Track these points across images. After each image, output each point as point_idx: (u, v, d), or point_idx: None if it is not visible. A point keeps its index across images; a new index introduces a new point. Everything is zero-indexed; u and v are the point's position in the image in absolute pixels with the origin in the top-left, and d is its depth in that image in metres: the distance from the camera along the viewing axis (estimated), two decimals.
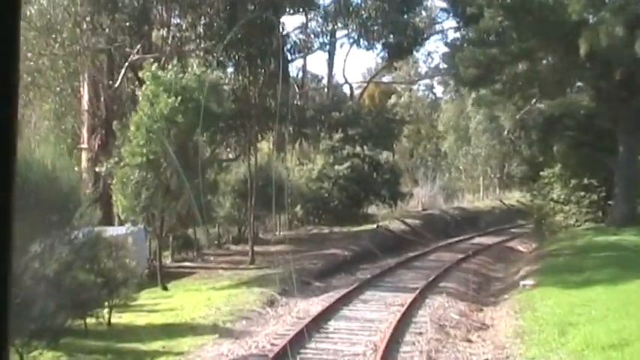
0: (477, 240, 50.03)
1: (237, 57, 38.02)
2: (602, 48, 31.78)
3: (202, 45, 38.73)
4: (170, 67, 31.15)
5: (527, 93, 41.35)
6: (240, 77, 39.11)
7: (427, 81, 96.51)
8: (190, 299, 27.78)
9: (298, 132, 52.27)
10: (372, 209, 57.33)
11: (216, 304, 26.21)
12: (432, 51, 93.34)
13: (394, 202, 56.78)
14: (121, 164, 31.14)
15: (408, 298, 25.89)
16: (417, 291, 27.06)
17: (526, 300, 25.31)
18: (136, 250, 29.83)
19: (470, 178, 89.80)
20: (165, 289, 31.09)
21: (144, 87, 30.81)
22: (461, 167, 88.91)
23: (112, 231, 29.91)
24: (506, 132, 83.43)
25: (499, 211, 66.50)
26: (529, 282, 28.46)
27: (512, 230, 57.45)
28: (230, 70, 41.24)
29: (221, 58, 37.99)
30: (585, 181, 40.71)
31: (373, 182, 54.38)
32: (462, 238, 50.56)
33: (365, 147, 54.71)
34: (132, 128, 30.58)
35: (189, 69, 31.78)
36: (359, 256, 39.28)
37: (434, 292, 28.13)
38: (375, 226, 48.49)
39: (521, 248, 46.95)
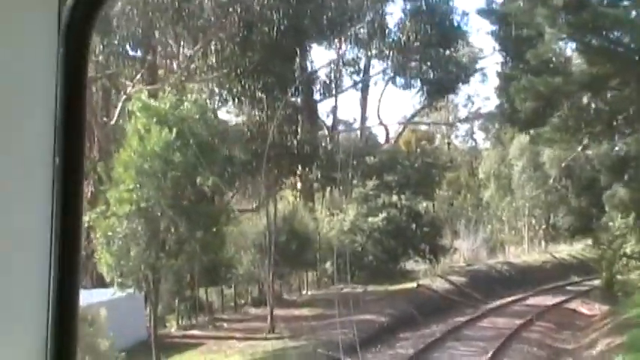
0: (531, 300, 43.72)
1: (252, 88, 32.24)
2: None
3: (213, 74, 33.05)
4: (165, 94, 25.32)
5: (595, 129, 34.99)
6: (256, 112, 33.37)
7: (467, 126, 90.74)
8: None
9: (327, 178, 46.58)
10: (410, 265, 51.13)
11: None
12: (473, 94, 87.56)
13: (435, 256, 50.61)
14: (107, 214, 25.32)
15: None
16: None
17: None
18: (121, 320, 24.13)
19: (513, 229, 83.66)
20: None
21: (133, 119, 25.06)
22: (504, 218, 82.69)
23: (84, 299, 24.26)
24: (551, 180, 77.75)
25: (550, 265, 60.15)
26: None
27: (569, 288, 51.06)
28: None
29: (234, 90, 32.42)
30: None
31: (412, 235, 48.35)
32: (513, 298, 44.28)
33: (402, 196, 48.72)
34: (119, 169, 24.87)
35: (190, 96, 25.88)
36: (398, 323, 33.30)
37: None
38: (414, 284, 42.37)
39: (584, 311, 40.65)
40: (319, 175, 48.46)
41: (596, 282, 52.21)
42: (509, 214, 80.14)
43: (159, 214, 24.88)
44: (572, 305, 42.01)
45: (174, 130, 24.21)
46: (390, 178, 49.60)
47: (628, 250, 35.64)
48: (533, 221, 79.16)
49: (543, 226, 79.00)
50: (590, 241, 73.22)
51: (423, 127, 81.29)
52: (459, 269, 50.99)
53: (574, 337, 31.31)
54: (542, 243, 76.54)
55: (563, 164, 77.21)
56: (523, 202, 76.97)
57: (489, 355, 24.43)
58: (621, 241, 36.39)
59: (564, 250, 67.92)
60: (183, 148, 24.47)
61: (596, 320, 34.83)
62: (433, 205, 57.37)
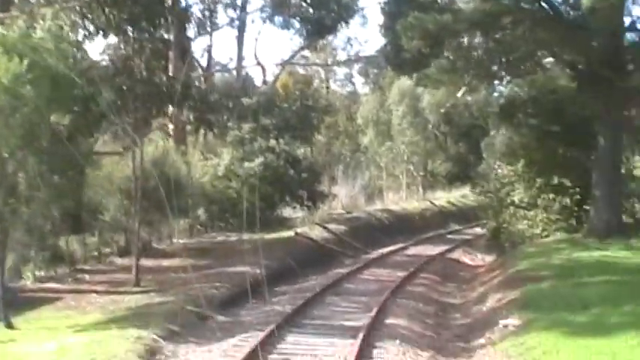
0: (413, 250, 42.20)
1: (117, 19, 29.27)
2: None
3: (73, 3, 29.98)
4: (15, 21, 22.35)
5: (484, 70, 32.97)
6: (123, 45, 30.58)
7: (346, 70, 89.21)
8: (37, 347, 19.38)
9: (201, 120, 44.00)
10: (288, 212, 49.00)
11: (69, 358, 17.88)
12: (352, 37, 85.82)
13: (313, 203, 48.57)
14: None
15: (349, 349, 17.86)
16: (360, 335, 18.98)
17: (519, 353, 17.44)
18: None
19: (391, 176, 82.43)
20: (9, 326, 22.58)
21: None
22: (382, 164, 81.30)
23: None
24: (431, 126, 76.54)
25: (430, 213, 58.90)
26: (511, 321, 20.55)
27: (450, 237, 49.86)
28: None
29: (97, 21, 29.49)
30: (555, 181, 32.88)
31: (290, 181, 46.13)
32: (395, 247, 42.69)
33: (280, 140, 46.43)
34: None
35: (44, 23, 22.96)
36: (275, 275, 31.06)
37: (382, 334, 20.08)
38: (292, 233, 40.19)
39: (468, 261, 39.34)
40: (192, 117, 45.91)
41: (477, 230, 51.29)
42: (387, 160, 78.97)
43: (6, 155, 22.09)
44: (455, 255, 40.60)
45: (25, 60, 21.35)
46: (268, 121, 47.26)
47: (515, 199, 34.08)
48: (412, 167, 77.92)
49: (421, 173, 77.83)
50: (468, 189, 72.99)
51: (302, 70, 79.49)
52: (338, 217, 49.13)
53: (460, 291, 29.68)
54: (420, 190, 75.50)
55: (442, 110, 76.17)
56: (402, 148, 75.72)
57: (374, 312, 22.41)
58: (508, 188, 34.82)
59: (443, 197, 67.01)
60: (36, 81, 21.63)
61: (483, 272, 33.28)
62: (311, 149, 55.39)
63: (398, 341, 19.11)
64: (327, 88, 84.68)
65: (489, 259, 37.54)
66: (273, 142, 45.89)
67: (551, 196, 32.52)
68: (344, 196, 61.16)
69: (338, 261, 37.33)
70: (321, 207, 50.43)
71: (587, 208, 31.82)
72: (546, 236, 32.47)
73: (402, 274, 31.52)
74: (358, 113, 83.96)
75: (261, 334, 19.21)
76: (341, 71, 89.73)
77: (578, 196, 32.32)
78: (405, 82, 74.43)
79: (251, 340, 18.84)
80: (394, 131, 77.50)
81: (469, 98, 79.67)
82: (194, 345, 19.51)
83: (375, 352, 18.19)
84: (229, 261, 32.51)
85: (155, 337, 19.69)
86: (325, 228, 42.58)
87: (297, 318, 22.38)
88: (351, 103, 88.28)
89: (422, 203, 62.76)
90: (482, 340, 19.80)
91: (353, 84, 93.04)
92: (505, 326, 20.14)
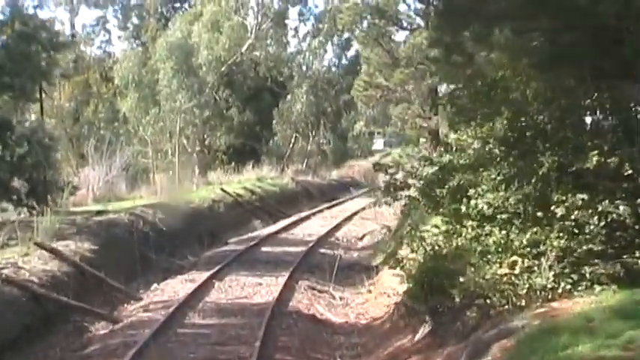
0: (220, 291, 22.68)
1: None
2: None
3: None
4: None
5: None
6: None
7: (98, 13, 74.20)
8: None
9: None
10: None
11: None
12: None
13: (39, 201, 28.73)
14: None
15: None
16: None
17: None
18: None
19: (158, 152, 64.69)
20: None
21: None
22: (147, 138, 63.37)
23: None
24: (208, 89, 63.38)
25: (225, 207, 40.06)
26: None
27: (267, 250, 31.01)
28: None
29: None
30: (590, 163, 13.42)
31: None
32: (185, 286, 23.48)
33: None
34: None
35: None
36: None
37: None
38: None
39: (328, 314, 20.54)
40: None
41: (298, 233, 34.39)
42: (154, 131, 63.07)
43: None
44: (301, 302, 21.51)
45: None
46: None
47: (484, 206, 13.91)
48: (185, 141, 63.61)
49: (198, 148, 64.55)
50: (265, 169, 58.39)
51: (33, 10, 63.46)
52: (83, 221, 28.81)
53: None
54: (197, 170, 60.40)
55: (223, 68, 64.52)
56: (172, 116, 61.17)
57: None
58: (464, 180, 14.95)
59: (234, 182, 51.38)
60: None
61: None
62: (42, 110, 35.98)
63: None
64: (74, 36, 67.52)
65: (360, 305, 19.57)
66: None
67: (580, 197, 13.34)
68: (97, 182, 42.36)
69: (77, 337, 17.96)
70: (59, 203, 30.84)
71: None
72: (563, 294, 13.15)
73: None
74: (115, 71, 66.35)
75: None
76: (91, 16, 75.92)
77: None
78: (175, 33, 62.54)
79: None
80: (161, 95, 62.27)
81: (257, 53, 65.19)
82: None
83: None
84: None
85: None
86: (54, 253, 22.62)
87: None
88: (106, 59, 71.80)
89: (209, 190, 44.23)
90: None
91: (108, 32, 77.27)
92: None
